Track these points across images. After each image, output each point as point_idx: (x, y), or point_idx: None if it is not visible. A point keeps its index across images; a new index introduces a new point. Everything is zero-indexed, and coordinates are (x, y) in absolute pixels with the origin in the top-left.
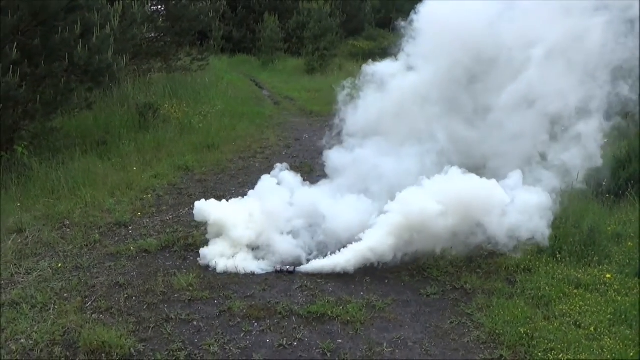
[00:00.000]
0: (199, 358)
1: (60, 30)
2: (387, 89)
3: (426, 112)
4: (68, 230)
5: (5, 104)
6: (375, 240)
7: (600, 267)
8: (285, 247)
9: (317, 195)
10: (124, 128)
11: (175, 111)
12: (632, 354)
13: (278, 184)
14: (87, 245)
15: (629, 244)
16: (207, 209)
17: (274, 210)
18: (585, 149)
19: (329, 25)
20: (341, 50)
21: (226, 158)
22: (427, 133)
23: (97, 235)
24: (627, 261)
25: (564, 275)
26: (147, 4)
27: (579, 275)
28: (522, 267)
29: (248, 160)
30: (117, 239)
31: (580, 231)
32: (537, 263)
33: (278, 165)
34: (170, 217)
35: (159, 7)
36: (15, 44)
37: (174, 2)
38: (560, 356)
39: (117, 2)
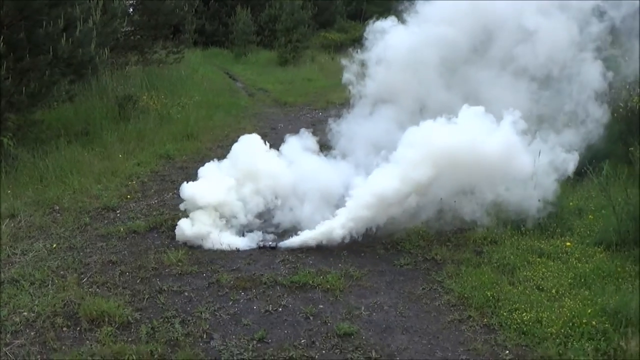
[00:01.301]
0: (192, 323)
1: (44, 25)
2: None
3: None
4: (58, 214)
5: None
6: (349, 216)
7: (563, 238)
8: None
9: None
10: (104, 119)
11: (154, 102)
12: (589, 311)
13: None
14: (78, 228)
15: (590, 217)
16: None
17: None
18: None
19: (300, 18)
20: (313, 42)
21: (205, 147)
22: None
23: (87, 218)
24: (588, 232)
25: (527, 246)
26: None
27: (542, 246)
28: (489, 239)
29: (226, 149)
30: (106, 221)
31: (543, 204)
32: (503, 235)
33: None
34: (156, 201)
35: (135, 1)
36: (1, 37)
37: None
38: (524, 315)
39: None
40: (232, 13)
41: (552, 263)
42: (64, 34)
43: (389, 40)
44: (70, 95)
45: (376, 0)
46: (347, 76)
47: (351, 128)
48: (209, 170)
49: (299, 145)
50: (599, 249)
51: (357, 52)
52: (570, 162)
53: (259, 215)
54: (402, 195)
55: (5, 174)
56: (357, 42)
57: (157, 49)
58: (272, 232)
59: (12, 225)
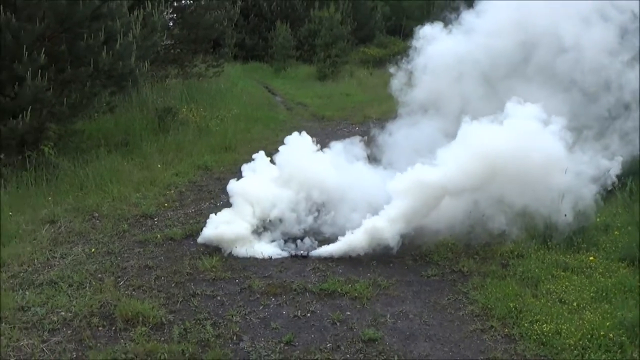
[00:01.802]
0: (223, 325)
1: (85, 37)
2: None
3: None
4: (98, 221)
5: (33, 105)
6: (382, 224)
7: (588, 253)
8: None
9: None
10: (144, 130)
11: (193, 115)
12: (608, 324)
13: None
14: (116, 234)
15: (616, 232)
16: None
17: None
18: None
19: (340, 33)
20: (352, 57)
21: (242, 158)
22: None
23: (126, 225)
24: (613, 248)
25: (553, 260)
26: (165, 12)
27: (567, 260)
28: (516, 253)
29: None
30: (144, 228)
31: (569, 221)
32: (529, 249)
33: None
34: (193, 210)
35: (175, 15)
36: (43, 49)
37: (189, 10)
38: (544, 326)
39: (137, 10)
40: (272, 28)
41: (576, 277)
42: (105, 47)
43: (435, 48)
44: (110, 107)
45: (415, 15)
46: (394, 83)
47: (395, 137)
48: (258, 166)
49: (346, 152)
50: (623, 265)
51: (404, 61)
52: (607, 177)
53: (302, 221)
54: (441, 189)
55: (46, 182)
56: (396, 56)
57: (196, 63)
58: (315, 238)
59: (52, 230)
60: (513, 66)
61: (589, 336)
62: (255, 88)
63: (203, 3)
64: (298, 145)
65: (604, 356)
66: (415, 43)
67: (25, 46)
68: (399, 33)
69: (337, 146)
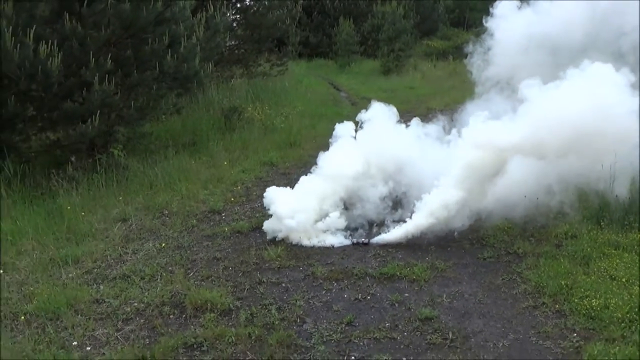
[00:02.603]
0: (287, 309)
1: (150, 42)
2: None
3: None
4: (167, 218)
5: (102, 110)
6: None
7: None
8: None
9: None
10: (211, 130)
11: (258, 113)
12: None
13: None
14: (186, 229)
15: None
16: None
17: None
18: None
19: (403, 27)
20: (416, 51)
21: (307, 154)
22: None
23: (194, 221)
24: None
25: (605, 239)
26: (227, 13)
27: (619, 239)
28: (570, 234)
29: None
30: (212, 223)
31: (622, 201)
32: (583, 230)
33: None
34: (259, 204)
35: (238, 16)
36: (109, 55)
37: (252, 11)
38: (593, 301)
39: (200, 13)
40: (335, 24)
41: (627, 255)
42: (169, 50)
43: (508, 25)
44: (177, 108)
45: (479, 7)
46: (471, 62)
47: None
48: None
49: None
50: None
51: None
52: None
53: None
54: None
55: (116, 183)
56: (460, 49)
57: (261, 62)
58: (392, 220)
59: (124, 228)
60: (582, 43)
61: (637, 309)
62: (319, 85)
63: (266, 3)
64: (380, 117)
65: None
66: (489, 22)
67: (91, 53)
68: (462, 25)
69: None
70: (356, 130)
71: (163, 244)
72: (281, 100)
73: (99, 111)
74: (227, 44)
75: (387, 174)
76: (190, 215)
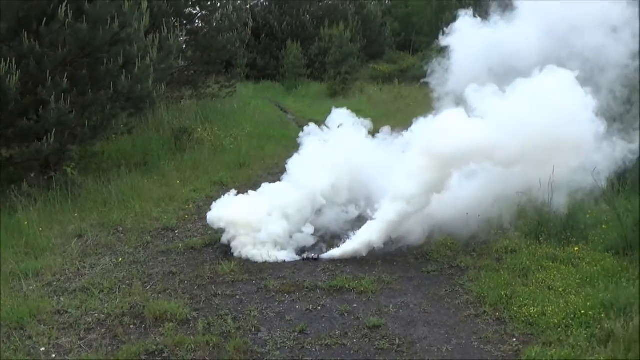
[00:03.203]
0: (243, 319)
1: (105, 62)
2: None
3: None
4: (122, 234)
5: (57, 128)
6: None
7: (577, 246)
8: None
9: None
10: (161, 150)
11: (208, 134)
12: (589, 305)
13: None
14: (141, 246)
15: (604, 226)
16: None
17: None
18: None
19: (349, 50)
20: (362, 74)
21: (256, 174)
22: None
23: (149, 237)
24: (601, 240)
25: (544, 253)
26: (179, 35)
27: (557, 253)
28: (510, 248)
29: (277, 176)
30: (166, 240)
31: (560, 218)
32: (522, 245)
33: None
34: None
35: (188, 37)
36: (65, 74)
37: (202, 33)
38: (531, 309)
39: (153, 35)
40: (283, 47)
41: (564, 267)
42: (124, 71)
43: (466, 41)
44: (128, 128)
45: (425, 30)
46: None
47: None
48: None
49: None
50: (609, 255)
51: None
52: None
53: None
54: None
55: (71, 199)
56: (405, 72)
57: (210, 84)
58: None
59: (80, 243)
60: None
61: (572, 315)
62: (267, 107)
63: (215, 25)
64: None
65: (584, 332)
66: (445, 38)
67: (48, 71)
68: (408, 48)
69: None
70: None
71: (120, 259)
72: (230, 121)
73: (54, 129)
74: (178, 66)
75: (353, 189)
76: (145, 232)
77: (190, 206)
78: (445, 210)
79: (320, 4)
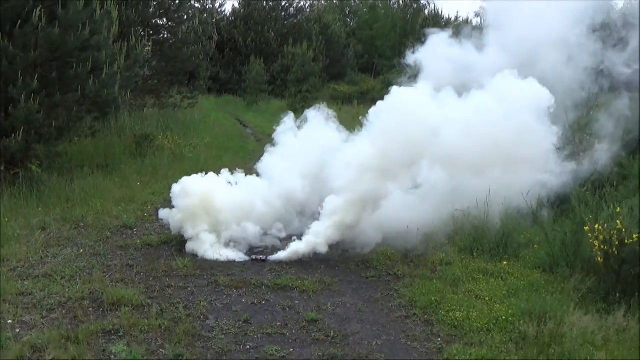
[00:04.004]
0: (193, 308)
1: (74, 66)
2: None
3: None
4: (83, 230)
5: (25, 126)
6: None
7: (508, 262)
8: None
9: None
10: (123, 154)
11: (168, 142)
12: (510, 312)
13: None
14: (101, 240)
15: (536, 246)
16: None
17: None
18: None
19: (311, 69)
20: (323, 94)
21: None
22: None
23: (109, 233)
24: (531, 258)
25: (476, 267)
26: (146, 45)
27: (488, 267)
28: (445, 261)
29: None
30: (125, 236)
31: (495, 235)
32: (457, 258)
33: None
34: (168, 223)
35: (154, 47)
36: (36, 75)
37: (168, 44)
38: (457, 314)
39: (121, 43)
40: (246, 62)
41: (493, 280)
42: (92, 76)
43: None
44: (93, 131)
45: (387, 54)
46: None
47: None
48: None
49: None
50: (537, 271)
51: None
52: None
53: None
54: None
55: (36, 195)
56: (366, 95)
57: (172, 94)
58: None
59: (44, 235)
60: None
61: (494, 321)
62: (227, 120)
63: (181, 37)
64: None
65: (502, 335)
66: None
67: (19, 72)
68: (370, 71)
69: None
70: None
71: (81, 251)
72: (190, 131)
73: (22, 127)
74: (143, 74)
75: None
76: (105, 228)
77: (149, 207)
78: (387, 222)
79: (285, 22)
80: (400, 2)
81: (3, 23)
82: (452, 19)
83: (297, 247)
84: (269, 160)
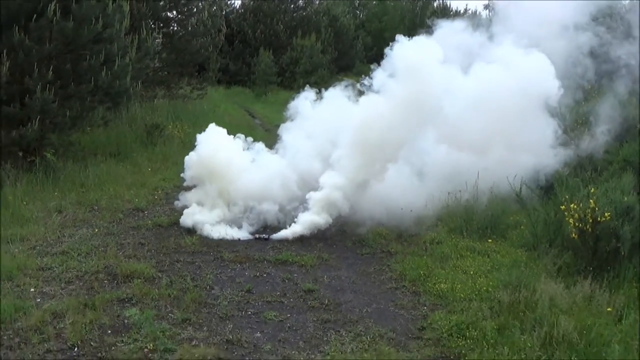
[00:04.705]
0: (200, 279)
1: (87, 58)
2: None
3: None
4: (97, 212)
5: (40, 115)
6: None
7: (495, 242)
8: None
9: None
10: (134, 143)
11: (178, 131)
12: (491, 284)
13: None
14: (114, 221)
15: (522, 227)
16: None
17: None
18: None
19: (319, 61)
20: (331, 85)
21: None
22: None
23: (121, 215)
24: (517, 238)
25: (464, 245)
26: (157, 38)
27: (476, 245)
28: (436, 241)
29: None
30: (137, 218)
31: (484, 217)
32: (447, 238)
33: None
34: (178, 206)
35: (164, 39)
36: (50, 67)
37: (178, 36)
38: (443, 286)
39: (132, 35)
40: (255, 54)
41: (480, 257)
42: (104, 67)
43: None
44: (105, 121)
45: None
46: None
47: None
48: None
49: None
50: (521, 250)
51: None
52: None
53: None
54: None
55: (52, 181)
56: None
57: (182, 85)
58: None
59: (60, 217)
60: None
61: (477, 292)
62: (236, 111)
63: (190, 29)
64: None
65: (482, 304)
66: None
67: (35, 63)
68: (378, 63)
69: None
70: None
71: (95, 230)
72: (199, 121)
73: (38, 117)
74: (153, 66)
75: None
76: (118, 211)
77: (159, 192)
78: (381, 204)
79: (294, 15)
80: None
81: (19, 17)
82: (461, 11)
83: (296, 227)
84: (287, 138)
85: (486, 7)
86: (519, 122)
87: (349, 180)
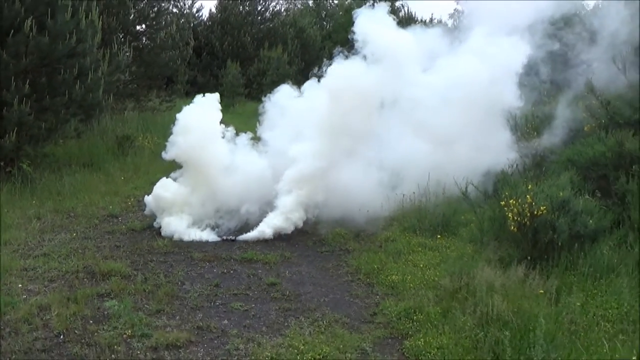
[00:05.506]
0: (172, 276)
1: (62, 72)
2: None
3: None
4: (74, 219)
5: (18, 128)
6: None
7: (442, 237)
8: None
9: None
10: (106, 154)
11: (148, 142)
12: (438, 274)
13: None
14: (90, 227)
15: (472, 225)
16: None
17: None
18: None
19: (286, 72)
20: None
21: None
22: None
23: (97, 221)
24: (466, 235)
25: (417, 242)
26: (127, 52)
27: (427, 242)
28: (391, 239)
29: None
30: (111, 223)
31: (435, 216)
32: (401, 236)
33: None
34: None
35: (133, 53)
36: (27, 80)
37: (147, 50)
38: (394, 277)
39: (103, 50)
40: (223, 66)
41: (431, 252)
42: (78, 81)
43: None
44: (78, 132)
45: None
46: None
47: None
48: None
49: None
50: (470, 245)
51: None
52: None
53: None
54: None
55: (29, 190)
56: None
57: (151, 97)
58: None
59: (39, 224)
60: None
61: (425, 283)
62: None
63: (159, 43)
64: None
65: (429, 291)
66: None
67: (12, 77)
68: None
69: None
70: None
71: (73, 235)
72: (169, 132)
73: (15, 128)
74: (123, 79)
75: None
76: (93, 217)
77: (132, 200)
78: (340, 205)
79: (261, 27)
80: (375, 5)
81: None
82: (427, 20)
83: (261, 228)
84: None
85: (451, 16)
86: (473, 125)
87: (305, 180)
